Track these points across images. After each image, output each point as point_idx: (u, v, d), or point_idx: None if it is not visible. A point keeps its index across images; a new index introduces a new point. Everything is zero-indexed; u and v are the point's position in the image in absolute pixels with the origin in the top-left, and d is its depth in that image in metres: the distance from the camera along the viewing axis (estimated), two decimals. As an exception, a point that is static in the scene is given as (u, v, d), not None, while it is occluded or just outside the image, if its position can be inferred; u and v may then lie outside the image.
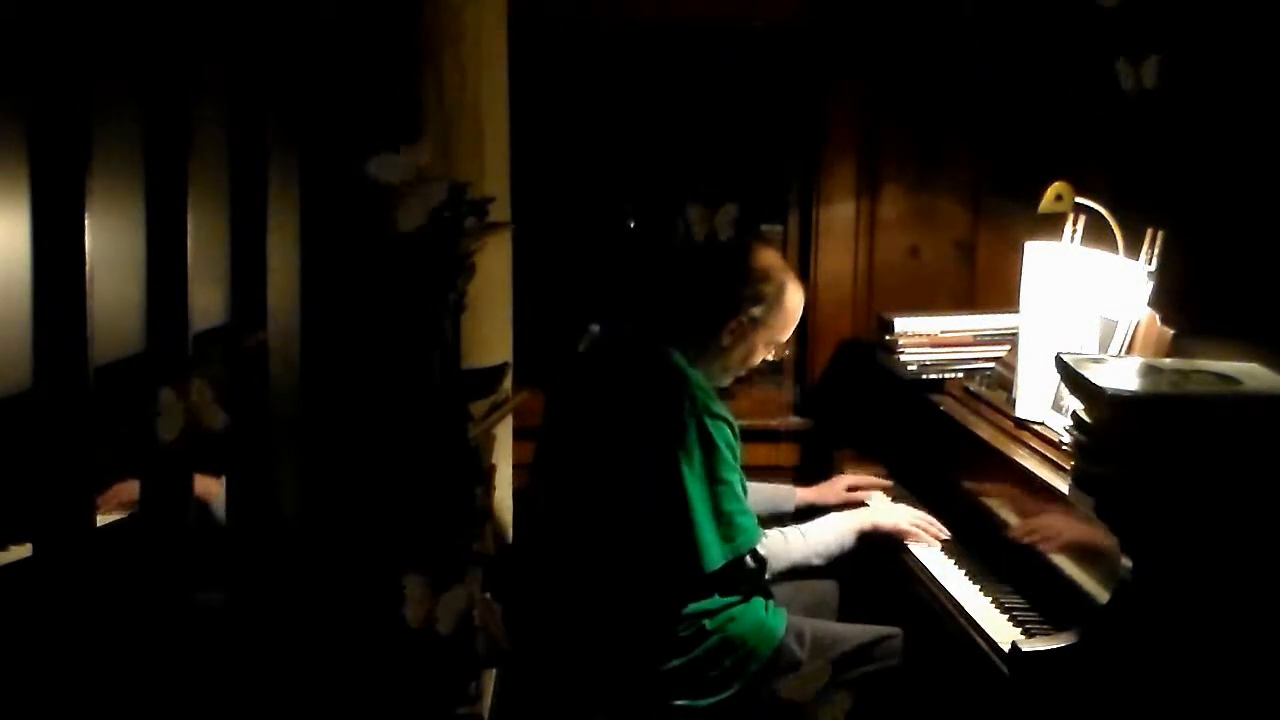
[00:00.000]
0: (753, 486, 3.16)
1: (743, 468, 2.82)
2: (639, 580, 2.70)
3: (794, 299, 2.93)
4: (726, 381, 3.00)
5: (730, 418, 2.78)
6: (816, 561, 2.88)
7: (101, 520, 1.62)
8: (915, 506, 3.15)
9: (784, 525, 2.98)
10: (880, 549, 2.98)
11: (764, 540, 2.77)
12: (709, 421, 2.70)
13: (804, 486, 3.34)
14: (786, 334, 2.97)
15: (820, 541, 2.88)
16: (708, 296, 2.88)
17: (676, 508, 2.65)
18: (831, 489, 3.29)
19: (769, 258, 2.95)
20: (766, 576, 2.78)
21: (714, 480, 2.69)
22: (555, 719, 2.79)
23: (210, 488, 1.75)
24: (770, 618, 2.77)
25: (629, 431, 2.74)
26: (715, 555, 2.67)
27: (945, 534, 2.99)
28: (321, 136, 1.83)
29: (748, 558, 2.72)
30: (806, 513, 3.18)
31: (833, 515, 3.01)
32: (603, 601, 2.73)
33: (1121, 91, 2.84)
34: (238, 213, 1.56)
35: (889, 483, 3.34)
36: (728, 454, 2.72)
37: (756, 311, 2.87)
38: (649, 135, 3.90)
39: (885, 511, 3.09)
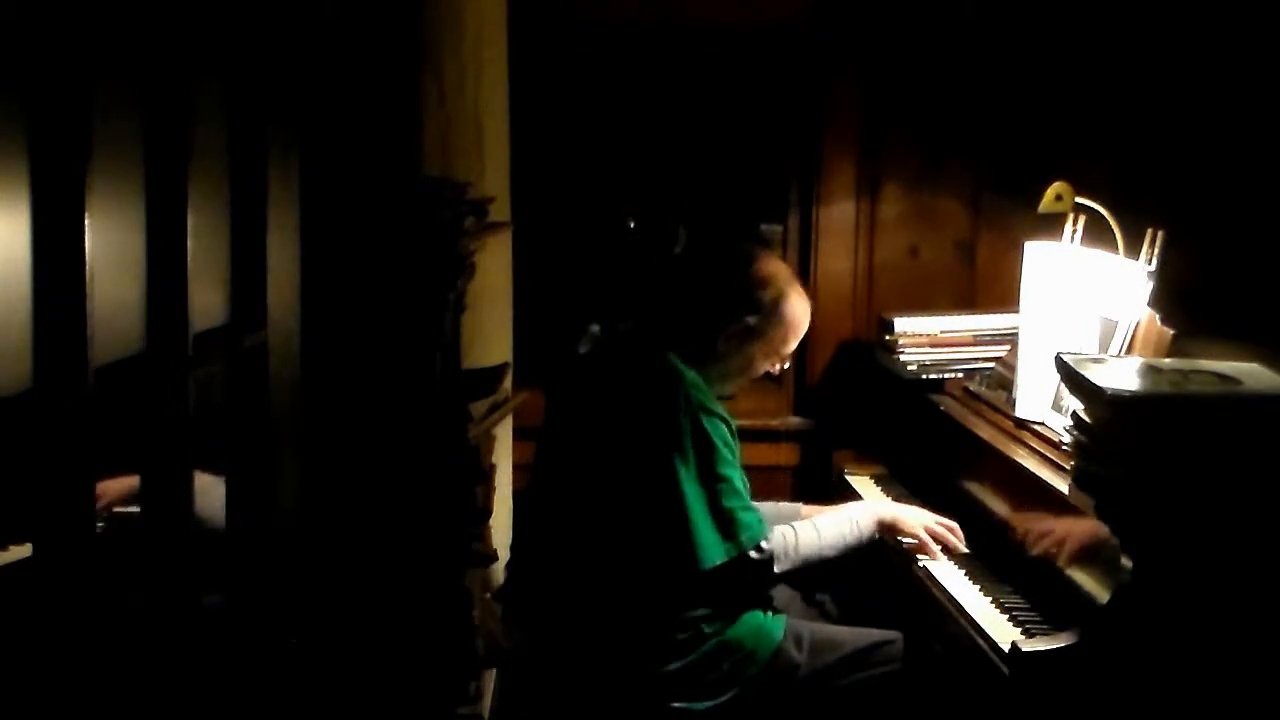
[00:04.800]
0: (758, 505, 3.13)
1: (743, 467, 2.80)
2: (638, 581, 2.69)
3: (795, 310, 2.86)
4: (728, 391, 2.96)
5: (727, 416, 2.76)
6: (830, 554, 2.78)
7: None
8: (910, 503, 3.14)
9: None
10: (889, 559, 2.91)
11: (770, 537, 2.72)
12: (705, 419, 2.67)
13: (810, 504, 3.21)
14: (788, 347, 2.91)
15: (835, 534, 2.78)
16: (704, 302, 2.85)
17: (672, 507, 2.63)
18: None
19: (771, 266, 2.89)
20: (775, 570, 2.72)
21: (712, 478, 2.66)
22: (555, 719, 2.79)
23: None
24: (769, 621, 2.77)
25: (625, 432, 2.73)
26: (714, 553, 2.64)
27: (962, 547, 2.87)
28: (321, 136, 1.83)
29: (752, 553, 2.69)
30: None
31: (852, 504, 2.92)
32: (602, 603, 2.72)
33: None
34: (238, 213, 1.56)
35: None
36: (725, 451, 2.69)
37: (752, 320, 2.82)
38: (649, 134, 3.90)
39: (910, 511, 2.93)
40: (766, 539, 2.71)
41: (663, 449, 2.65)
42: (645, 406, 2.71)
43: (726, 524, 2.66)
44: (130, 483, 1.38)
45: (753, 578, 2.72)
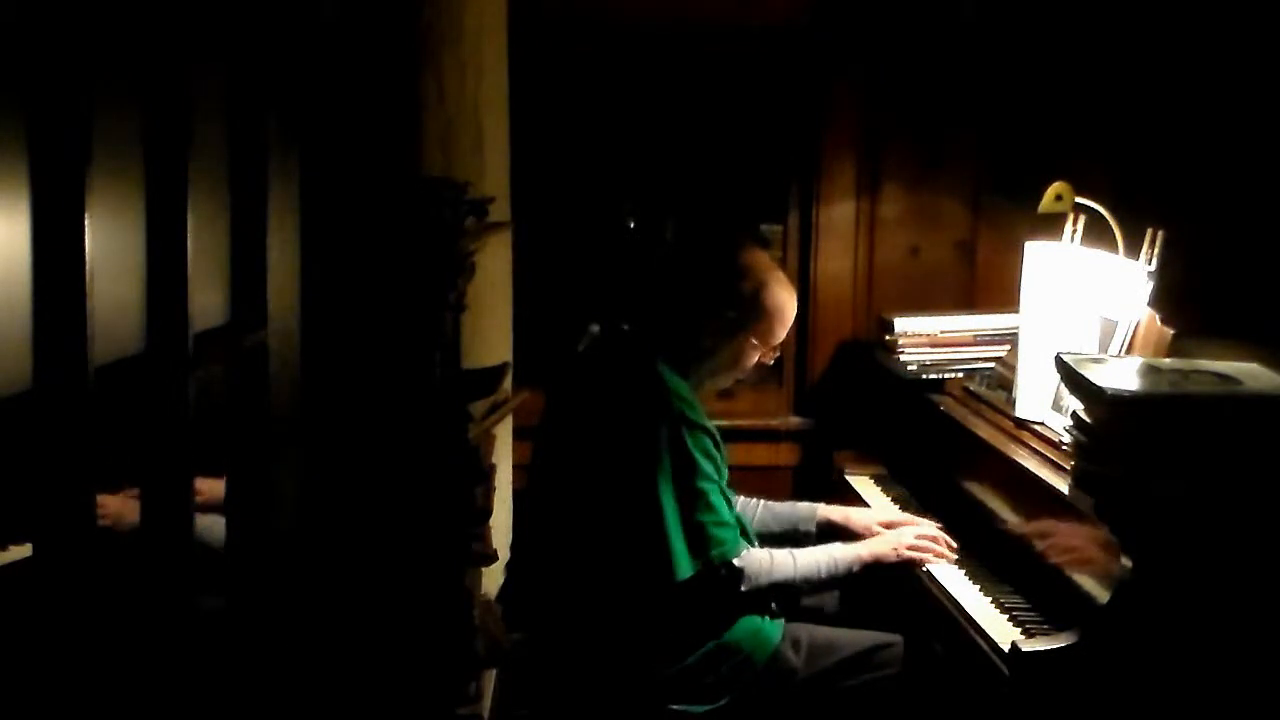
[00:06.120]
0: (775, 504, 3.12)
1: (743, 468, 2.79)
2: (625, 587, 2.70)
3: (776, 299, 2.85)
4: (724, 385, 2.97)
5: (711, 428, 2.75)
6: (802, 585, 2.79)
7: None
8: (910, 504, 3.14)
9: (804, 543, 2.90)
10: (888, 568, 2.89)
11: (745, 555, 2.71)
12: (686, 433, 2.67)
13: (829, 504, 3.19)
14: (775, 336, 2.89)
15: (809, 568, 2.77)
16: (686, 297, 2.84)
17: (649, 518, 2.64)
18: (864, 520, 3.06)
19: (750, 257, 2.88)
20: (741, 589, 2.71)
21: (688, 492, 2.66)
22: (555, 719, 2.79)
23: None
24: (766, 625, 2.76)
25: (609, 441, 2.73)
26: (684, 566, 2.65)
27: (952, 552, 2.86)
28: (322, 136, 1.83)
29: (721, 569, 2.69)
30: (830, 532, 3.04)
31: (835, 545, 2.88)
32: (597, 605, 2.72)
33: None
34: (238, 213, 1.56)
35: (934, 524, 3.02)
36: (706, 465, 2.69)
37: (732, 313, 2.81)
38: (649, 134, 3.90)
39: (888, 540, 2.90)
40: (739, 556, 2.70)
41: (643, 461, 2.66)
42: (629, 417, 2.72)
43: (698, 538, 2.66)
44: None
45: (719, 594, 2.71)
